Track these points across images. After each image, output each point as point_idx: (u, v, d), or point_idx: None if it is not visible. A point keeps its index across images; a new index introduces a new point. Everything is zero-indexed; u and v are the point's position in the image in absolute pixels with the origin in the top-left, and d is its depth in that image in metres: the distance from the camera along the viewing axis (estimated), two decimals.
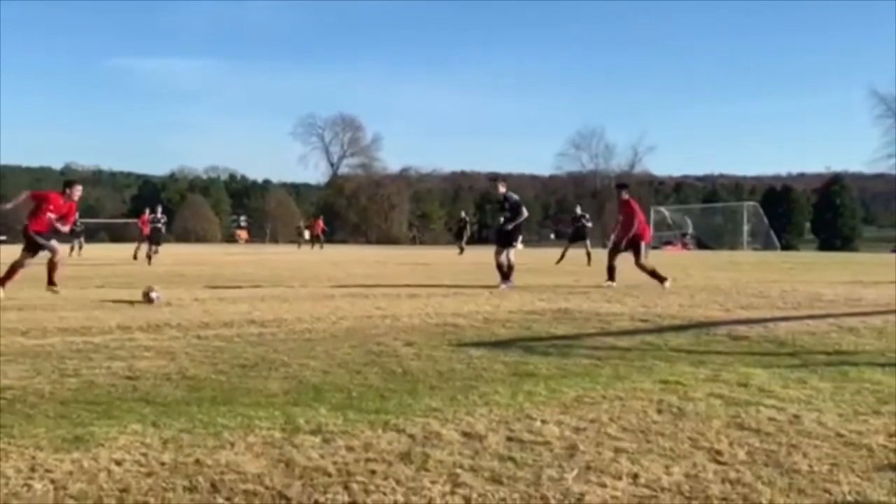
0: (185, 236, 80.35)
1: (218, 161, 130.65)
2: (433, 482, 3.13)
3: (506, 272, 13.36)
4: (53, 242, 12.20)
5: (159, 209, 27.23)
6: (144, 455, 3.44)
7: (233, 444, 3.62)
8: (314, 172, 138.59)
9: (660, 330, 7.90)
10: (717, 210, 72.84)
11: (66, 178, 12.49)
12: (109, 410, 4.31)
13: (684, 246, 56.34)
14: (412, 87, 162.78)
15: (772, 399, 4.66)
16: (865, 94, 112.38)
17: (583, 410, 4.38)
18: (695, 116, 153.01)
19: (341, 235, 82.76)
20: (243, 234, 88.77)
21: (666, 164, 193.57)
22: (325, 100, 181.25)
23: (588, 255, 22.02)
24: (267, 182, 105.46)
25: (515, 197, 13.91)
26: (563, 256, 23.15)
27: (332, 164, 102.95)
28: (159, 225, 26.16)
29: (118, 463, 3.34)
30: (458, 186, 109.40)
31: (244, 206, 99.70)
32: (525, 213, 13.74)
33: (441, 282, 14.67)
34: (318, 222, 53.58)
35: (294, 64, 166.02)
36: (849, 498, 3.02)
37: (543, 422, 4.11)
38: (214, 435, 3.78)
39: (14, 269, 11.66)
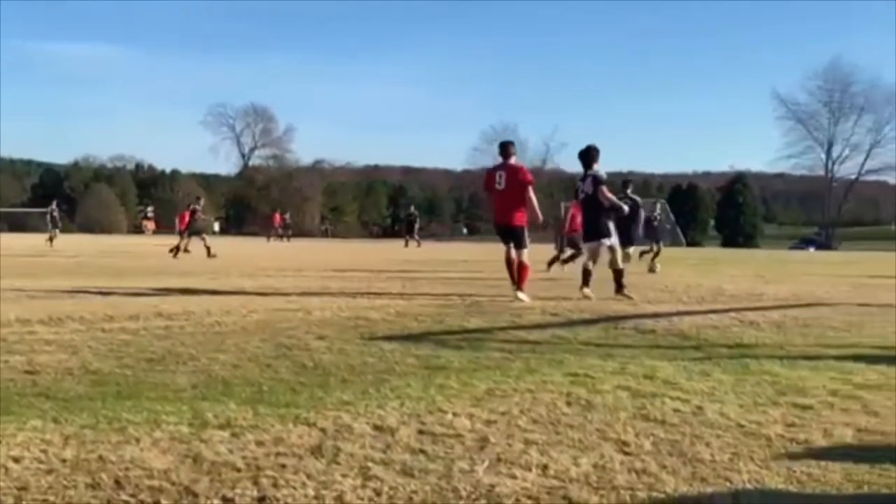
0: (88, 227, 77.79)
1: (124, 150, 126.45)
2: (344, 476, 3.11)
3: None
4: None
5: (202, 201, 27.04)
6: (44, 452, 3.32)
7: (138, 440, 3.53)
8: (225, 163, 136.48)
9: (570, 324, 8.03)
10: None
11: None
12: (7, 406, 4.14)
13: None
14: (325, 80, 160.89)
15: (676, 391, 4.79)
16: (767, 96, 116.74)
17: (494, 403, 4.42)
18: (606, 114, 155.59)
19: (252, 227, 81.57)
20: (150, 224, 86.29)
21: (577, 160, 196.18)
22: (236, 90, 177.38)
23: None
24: (175, 172, 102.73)
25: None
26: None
27: (243, 156, 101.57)
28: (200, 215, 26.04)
29: (16, 460, 3.21)
30: (371, 180, 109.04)
31: (151, 197, 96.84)
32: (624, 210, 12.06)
33: (355, 275, 14.61)
34: (276, 215, 53.75)
35: (205, 53, 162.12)
36: (748, 486, 3.12)
37: (455, 415, 4.13)
38: (119, 430, 3.67)
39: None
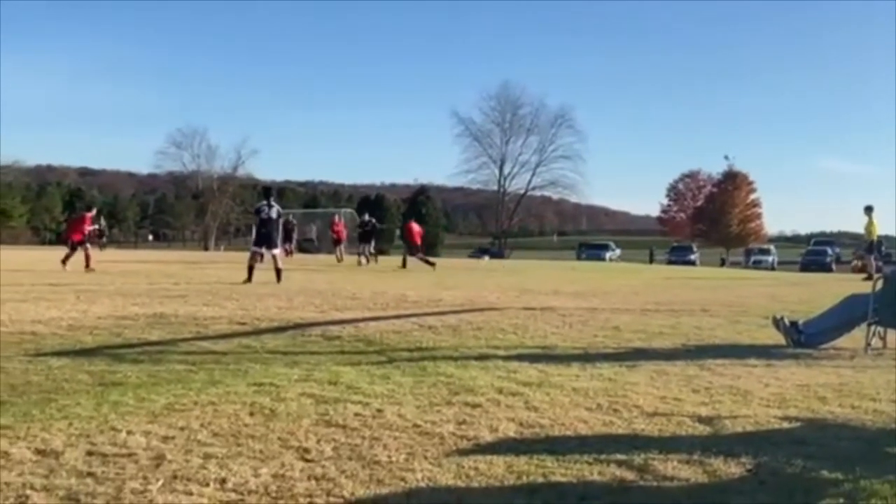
0: None
1: None
2: None
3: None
4: None
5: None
6: None
7: None
8: None
9: (257, 332, 7.94)
10: (317, 215, 75.13)
11: None
12: None
13: (288, 252, 57.43)
14: None
15: (358, 395, 4.92)
16: (448, 114, 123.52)
17: (173, 418, 4.26)
18: (297, 122, 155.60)
19: None
20: None
21: (269, 168, 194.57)
22: None
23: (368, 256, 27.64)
24: None
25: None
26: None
27: None
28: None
29: None
30: (43, 181, 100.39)
31: None
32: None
33: (22, 284, 13.33)
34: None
35: None
36: (422, 484, 3.28)
37: (129, 433, 3.93)
38: None
39: None
